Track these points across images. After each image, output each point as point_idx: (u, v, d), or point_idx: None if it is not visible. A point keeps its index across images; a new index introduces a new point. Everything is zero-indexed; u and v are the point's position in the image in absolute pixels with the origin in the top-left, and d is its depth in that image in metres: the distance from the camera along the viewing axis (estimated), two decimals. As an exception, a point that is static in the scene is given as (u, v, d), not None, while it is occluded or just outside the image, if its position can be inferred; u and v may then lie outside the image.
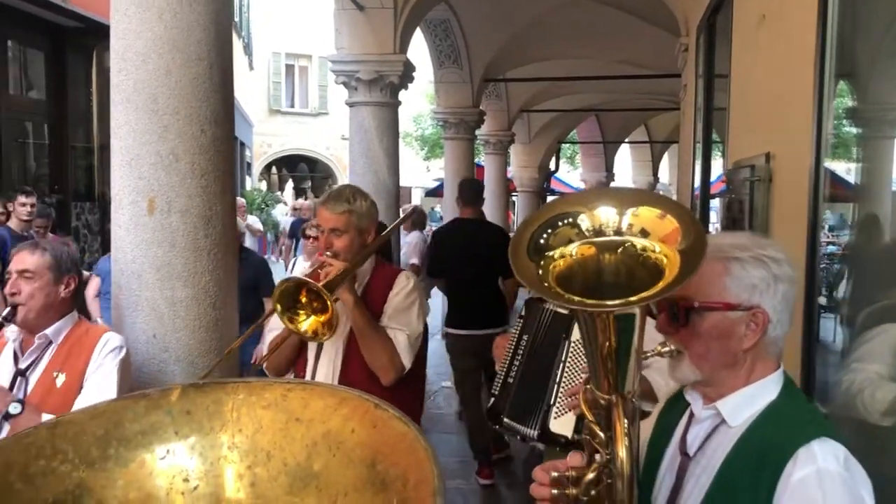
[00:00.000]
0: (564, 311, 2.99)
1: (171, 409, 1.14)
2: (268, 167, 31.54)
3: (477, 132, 11.43)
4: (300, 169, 33.90)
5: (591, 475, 1.20)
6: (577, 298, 1.06)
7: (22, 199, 6.71)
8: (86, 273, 5.12)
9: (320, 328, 2.40)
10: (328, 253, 2.70)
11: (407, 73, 7.39)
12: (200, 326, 2.97)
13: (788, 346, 2.39)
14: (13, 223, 6.68)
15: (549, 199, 20.35)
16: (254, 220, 14.08)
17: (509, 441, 6.02)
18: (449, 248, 6.03)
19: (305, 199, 26.82)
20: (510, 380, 3.17)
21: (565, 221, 1.15)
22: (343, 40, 7.30)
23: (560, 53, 10.78)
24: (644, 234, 1.12)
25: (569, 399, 2.84)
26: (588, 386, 1.25)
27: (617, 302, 1.05)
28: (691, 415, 1.50)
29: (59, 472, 1.04)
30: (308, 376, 2.84)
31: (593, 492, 1.21)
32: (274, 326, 2.83)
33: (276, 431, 1.11)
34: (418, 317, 2.85)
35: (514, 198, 18.80)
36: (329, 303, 2.34)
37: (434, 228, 7.77)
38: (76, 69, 11.01)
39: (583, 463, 1.26)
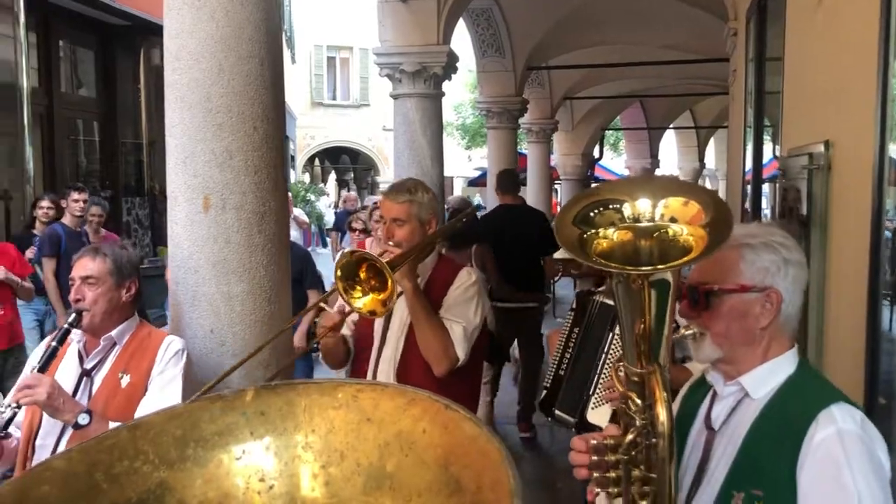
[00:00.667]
0: (611, 303, 2.99)
1: (245, 411, 1.16)
2: (311, 160, 31.81)
3: (520, 121, 11.36)
4: (342, 161, 34.15)
5: (630, 437, 1.30)
6: (614, 264, 1.18)
7: (75, 195, 6.84)
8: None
9: (378, 306, 2.39)
10: (390, 242, 2.74)
11: (450, 64, 7.39)
12: (256, 321, 3.01)
13: (851, 336, 2.34)
14: (67, 219, 6.81)
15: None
16: (299, 213, 14.23)
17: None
18: (497, 231, 6.32)
19: (348, 190, 27.00)
20: (561, 372, 3.18)
21: (611, 207, 1.26)
22: (387, 33, 7.32)
23: (604, 40, 10.66)
24: (673, 220, 1.23)
25: (606, 391, 2.85)
26: (621, 363, 1.34)
27: (654, 267, 1.17)
28: (714, 394, 1.63)
29: (141, 471, 1.07)
30: (371, 366, 2.88)
31: (633, 452, 1.31)
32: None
33: (348, 432, 1.12)
34: (476, 311, 2.85)
35: (556, 186, 18.68)
36: (388, 279, 2.33)
37: (482, 214, 7.87)
38: (124, 66, 11.22)
39: (618, 433, 1.36)
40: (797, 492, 1.39)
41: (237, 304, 2.99)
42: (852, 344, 2.35)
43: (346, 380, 2.62)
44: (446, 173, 8.73)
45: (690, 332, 1.54)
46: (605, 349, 3.02)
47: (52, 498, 1.00)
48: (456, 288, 2.86)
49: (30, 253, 6.42)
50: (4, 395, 2.63)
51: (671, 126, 20.62)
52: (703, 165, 24.04)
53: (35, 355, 2.68)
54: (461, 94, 27.15)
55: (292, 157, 27.54)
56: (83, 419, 2.37)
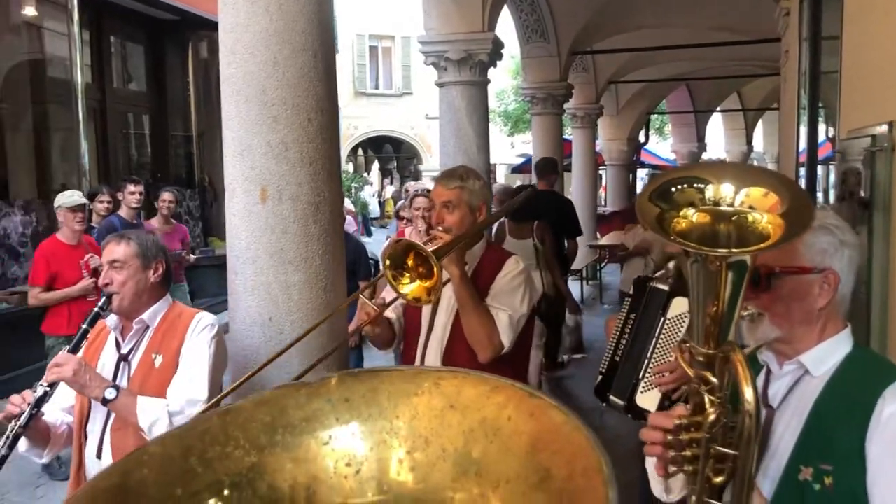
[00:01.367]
0: (665, 287, 2.98)
1: (330, 398, 1.19)
2: (354, 149, 31.99)
3: (564, 106, 11.27)
4: (385, 150, 34.28)
5: (712, 416, 1.29)
6: (693, 244, 1.18)
7: (130, 187, 6.95)
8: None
9: (423, 294, 2.40)
10: (439, 228, 2.76)
11: (496, 51, 7.35)
12: (313, 309, 3.06)
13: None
14: (123, 211, 6.93)
15: (640, 171, 19.94)
16: (347, 203, 14.34)
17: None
18: (525, 214, 6.55)
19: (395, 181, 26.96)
20: (617, 358, 3.18)
21: (695, 185, 1.26)
22: (432, 21, 7.31)
23: (649, 23, 10.50)
24: (752, 208, 1.23)
25: (656, 376, 2.84)
26: (687, 344, 1.33)
27: (730, 250, 1.18)
28: (768, 372, 1.66)
29: (233, 456, 1.10)
30: (419, 352, 2.91)
31: (715, 429, 1.30)
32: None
33: (431, 418, 1.14)
34: (523, 300, 2.86)
35: (602, 171, 18.50)
36: (435, 267, 2.34)
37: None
38: (173, 60, 11.42)
39: (687, 413, 1.36)
40: (866, 466, 1.41)
41: (294, 293, 3.05)
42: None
43: (426, 367, 2.65)
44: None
45: (748, 313, 1.57)
46: (657, 333, 3.01)
47: (150, 481, 1.04)
48: (503, 276, 2.87)
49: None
50: None
51: (718, 109, 20.25)
52: (750, 148, 23.57)
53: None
54: (504, 81, 27.01)
55: (336, 147, 27.71)
56: (110, 393, 2.43)
